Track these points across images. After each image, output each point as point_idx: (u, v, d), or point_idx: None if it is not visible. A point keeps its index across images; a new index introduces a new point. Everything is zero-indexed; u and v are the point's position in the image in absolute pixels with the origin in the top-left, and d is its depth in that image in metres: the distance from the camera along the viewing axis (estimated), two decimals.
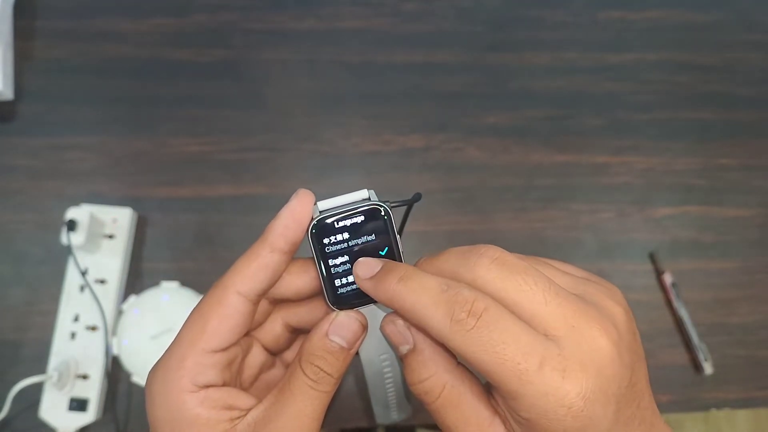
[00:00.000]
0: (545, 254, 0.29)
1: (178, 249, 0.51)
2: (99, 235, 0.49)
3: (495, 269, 0.23)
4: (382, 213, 0.25)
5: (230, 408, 0.25)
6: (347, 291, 0.26)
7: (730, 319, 0.53)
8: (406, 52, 0.57)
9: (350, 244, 0.25)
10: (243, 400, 0.26)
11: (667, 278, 0.53)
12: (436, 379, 0.25)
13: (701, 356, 0.51)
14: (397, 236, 0.26)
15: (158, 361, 0.26)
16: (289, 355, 0.32)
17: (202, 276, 0.50)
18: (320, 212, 0.25)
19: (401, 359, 0.26)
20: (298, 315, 0.29)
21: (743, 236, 0.55)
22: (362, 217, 0.25)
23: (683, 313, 0.52)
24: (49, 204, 0.51)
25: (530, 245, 0.53)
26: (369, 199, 0.26)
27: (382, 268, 0.25)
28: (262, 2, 0.57)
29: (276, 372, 0.31)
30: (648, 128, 0.57)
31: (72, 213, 0.47)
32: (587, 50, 0.58)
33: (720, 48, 0.60)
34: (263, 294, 0.26)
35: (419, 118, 0.56)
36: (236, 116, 0.54)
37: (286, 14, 0.57)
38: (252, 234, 0.52)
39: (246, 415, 0.25)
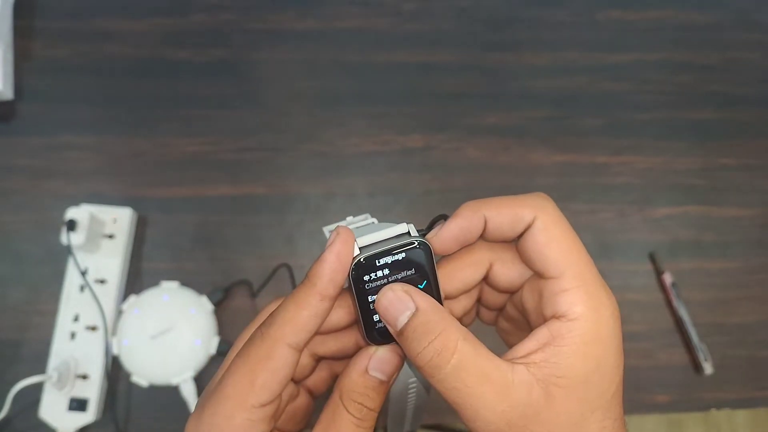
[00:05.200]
0: None
1: (177, 249, 0.51)
2: (99, 235, 0.49)
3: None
4: (425, 251, 0.25)
5: None
6: (385, 326, 0.25)
7: (730, 319, 0.53)
8: (405, 52, 0.57)
9: (390, 279, 0.25)
10: None
11: (667, 278, 0.53)
12: (447, 333, 0.23)
13: (701, 356, 0.51)
14: (436, 271, 0.25)
15: (200, 415, 0.24)
16: (310, 381, 0.31)
17: (202, 276, 0.50)
18: (360, 249, 0.25)
19: (399, 334, 0.25)
20: (326, 345, 0.29)
21: (743, 236, 0.55)
22: (403, 254, 0.25)
23: (683, 313, 0.52)
24: (49, 204, 0.51)
25: None
26: (409, 233, 0.25)
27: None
28: (261, 2, 0.57)
29: (300, 401, 0.30)
30: (648, 128, 0.57)
31: (72, 213, 0.47)
32: (587, 50, 0.58)
33: (720, 48, 0.60)
34: (310, 340, 0.25)
35: (419, 118, 0.56)
36: (235, 116, 0.54)
37: (286, 14, 0.57)
38: (251, 234, 0.52)
39: None
